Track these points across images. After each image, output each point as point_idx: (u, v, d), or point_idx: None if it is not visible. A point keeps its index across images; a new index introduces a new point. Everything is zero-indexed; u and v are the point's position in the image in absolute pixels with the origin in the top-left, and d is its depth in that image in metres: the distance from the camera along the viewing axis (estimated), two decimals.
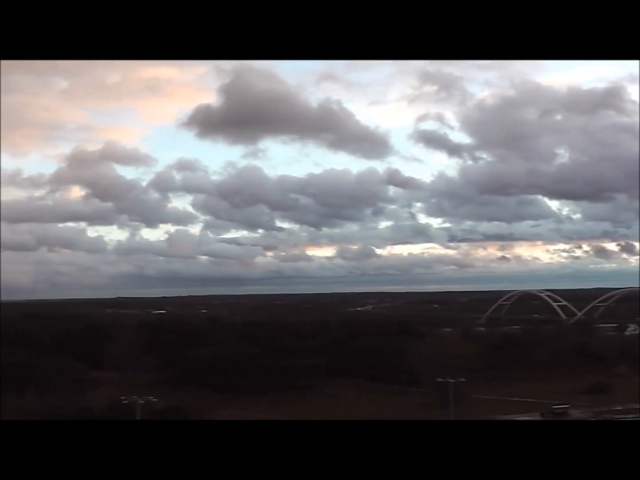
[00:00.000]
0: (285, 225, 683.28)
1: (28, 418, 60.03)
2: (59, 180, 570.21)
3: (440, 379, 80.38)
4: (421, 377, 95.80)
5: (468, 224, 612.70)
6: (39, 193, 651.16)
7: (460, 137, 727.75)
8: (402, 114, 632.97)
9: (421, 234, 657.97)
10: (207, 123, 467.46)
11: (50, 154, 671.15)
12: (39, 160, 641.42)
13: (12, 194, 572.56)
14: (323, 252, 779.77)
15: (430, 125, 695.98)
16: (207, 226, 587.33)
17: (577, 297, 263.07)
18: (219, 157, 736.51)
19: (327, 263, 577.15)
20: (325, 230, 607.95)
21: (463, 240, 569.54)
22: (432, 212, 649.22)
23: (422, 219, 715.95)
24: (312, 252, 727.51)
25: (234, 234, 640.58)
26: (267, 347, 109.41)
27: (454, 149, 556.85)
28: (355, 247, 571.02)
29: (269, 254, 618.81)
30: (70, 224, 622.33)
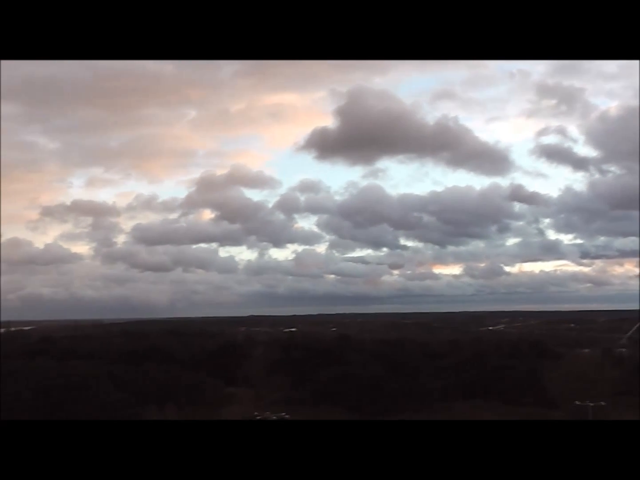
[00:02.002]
0: (410, 243, 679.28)
1: None
2: (191, 204, 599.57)
3: (578, 402, 77.14)
4: (558, 400, 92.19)
5: (601, 239, 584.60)
6: (172, 216, 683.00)
7: (585, 150, 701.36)
8: (522, 129, 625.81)
9: (551, 251, 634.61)
10: (325, 145, 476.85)
11: (183, 180, 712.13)
12: (172, 185, 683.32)
13: (149, 218, 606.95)
14: (450, 270, 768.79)
15: (551, 139, 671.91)
16: (332, 245, 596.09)
17: None
18: (339, 178, 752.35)
19: (455, 281, 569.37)
20: (450, 248, 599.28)
21: (597, 256, 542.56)
22: (561, 228, 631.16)
23: (552, 235, 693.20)
24: (438, 270, 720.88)
25: (359, 252, 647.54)
26: (398, 367, 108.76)
27: (579, 163, 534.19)
28: (482, 264, 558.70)
29: (395, 272, 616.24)
30: (202, 245, 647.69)
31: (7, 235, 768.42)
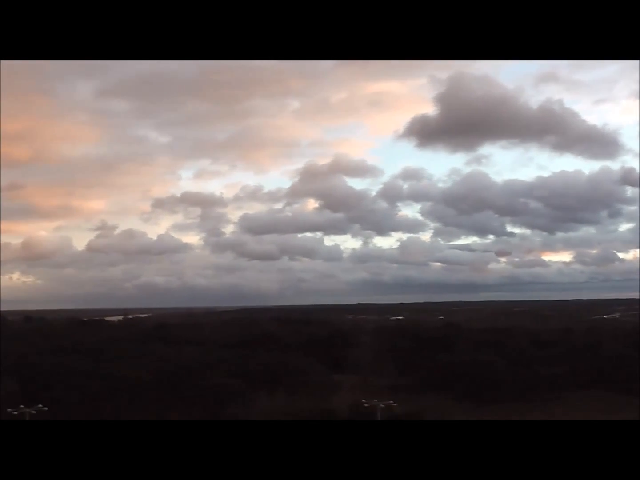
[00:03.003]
0: (517, 230, 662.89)
1: (277, 418, 63.48)
2: (295, 194, 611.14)
3: None
4: None
5: None
6: (278, 206, 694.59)
7: None
8: (632, 110, 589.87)
9: None
10: (426, 132, 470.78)
11: (287, 170, 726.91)
12: (277, 176, 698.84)
13: (255, 208, 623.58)
14: (559, 257, 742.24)
15: None
16: (437, 233, 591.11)
17: None
18: (442, 165, 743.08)
19: (566, 268, 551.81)
20: (559, 234, 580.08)
21: None
22: None
23: None
24: (547, 257, 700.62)
25: (464, 240, 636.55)
26: (507, 355, 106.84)
27: None
28: (594, 251, 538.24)
29: (503, 259, 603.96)
30: (308, 234, 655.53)
31: (122, 226, 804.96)
